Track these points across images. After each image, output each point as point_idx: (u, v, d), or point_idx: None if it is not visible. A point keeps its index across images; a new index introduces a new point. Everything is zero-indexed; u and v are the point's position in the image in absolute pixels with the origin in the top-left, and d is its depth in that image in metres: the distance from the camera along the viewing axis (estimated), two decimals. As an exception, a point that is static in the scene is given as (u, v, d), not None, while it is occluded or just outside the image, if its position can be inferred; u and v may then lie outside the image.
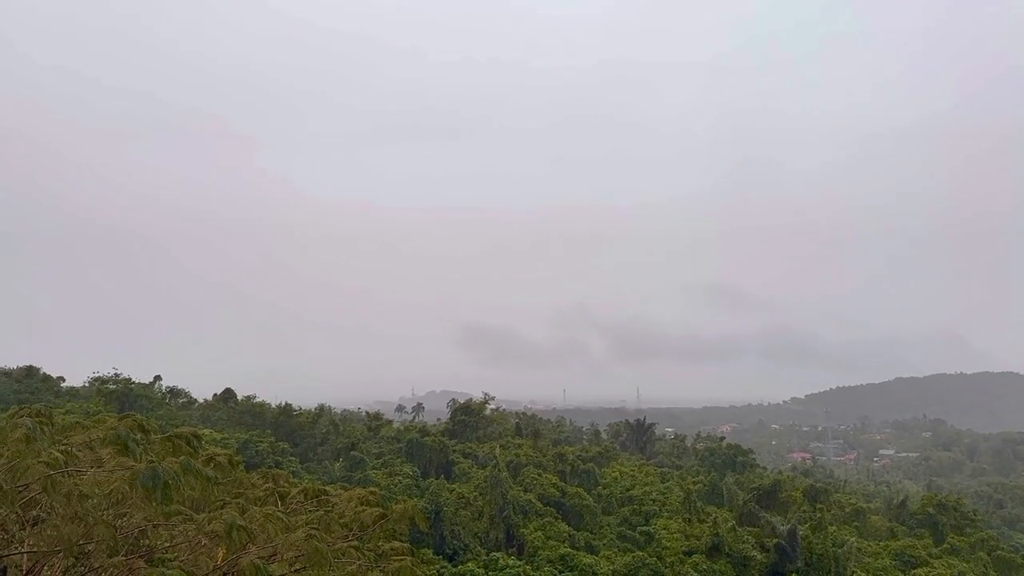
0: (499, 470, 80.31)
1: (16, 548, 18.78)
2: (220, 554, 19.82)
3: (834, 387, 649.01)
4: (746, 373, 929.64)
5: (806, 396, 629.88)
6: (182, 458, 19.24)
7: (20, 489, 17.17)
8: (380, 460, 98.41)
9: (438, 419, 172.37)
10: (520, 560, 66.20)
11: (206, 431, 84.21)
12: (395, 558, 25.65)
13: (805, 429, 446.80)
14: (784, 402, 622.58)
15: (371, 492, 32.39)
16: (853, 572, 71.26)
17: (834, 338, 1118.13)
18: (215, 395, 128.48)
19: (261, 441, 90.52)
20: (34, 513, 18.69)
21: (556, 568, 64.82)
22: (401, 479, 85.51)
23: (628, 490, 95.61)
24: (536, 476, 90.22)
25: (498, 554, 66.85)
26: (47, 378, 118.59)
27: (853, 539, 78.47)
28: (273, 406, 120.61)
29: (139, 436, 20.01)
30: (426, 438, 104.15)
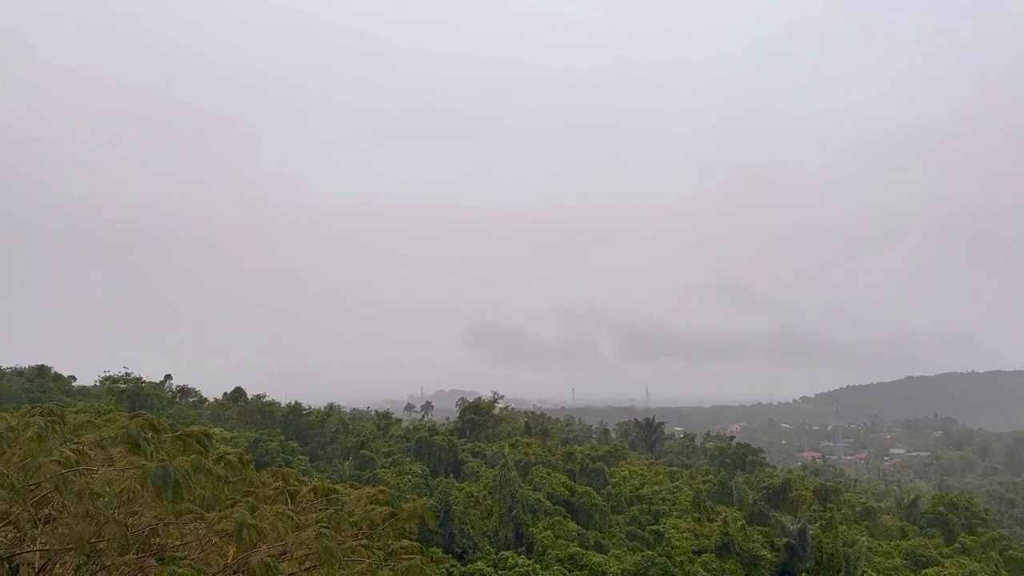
0: (508, 469, 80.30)
1: (29, 546, 18.89)
2: (231, 552, 19.90)
3: (844, 386, 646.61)
4: (756, 372, 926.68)
5: (816, 395, 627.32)
6: (193, 457, 19.33)
7: (32, 487, 17.27)
8: (389, 459, 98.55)
9: (447, 418, 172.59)
10: (529, 559, 66.19)
11: (216, 430, 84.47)
12: (405, 556, 25.70)
13: (815, 428, 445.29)
14: (794, 401, 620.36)
15: (380, 491, 32.49)
16: (864, 572, 70.97)
17: (844, 337, 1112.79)
18: (225, 394, 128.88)
19: (271, 440, 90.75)
20: (46, 511, 18.80)
21: (565, 567, 64.80)
22: (410, 478, 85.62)
23: (637, 489, 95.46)
24: (545, 475, 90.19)
25: (507, 553, 66.87)
26: (58, 377, 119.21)
27: (864, 538, 78.21)
28: (283, 405, 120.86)
29: (150, 435, 20.10)
30: (435, 437, 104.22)
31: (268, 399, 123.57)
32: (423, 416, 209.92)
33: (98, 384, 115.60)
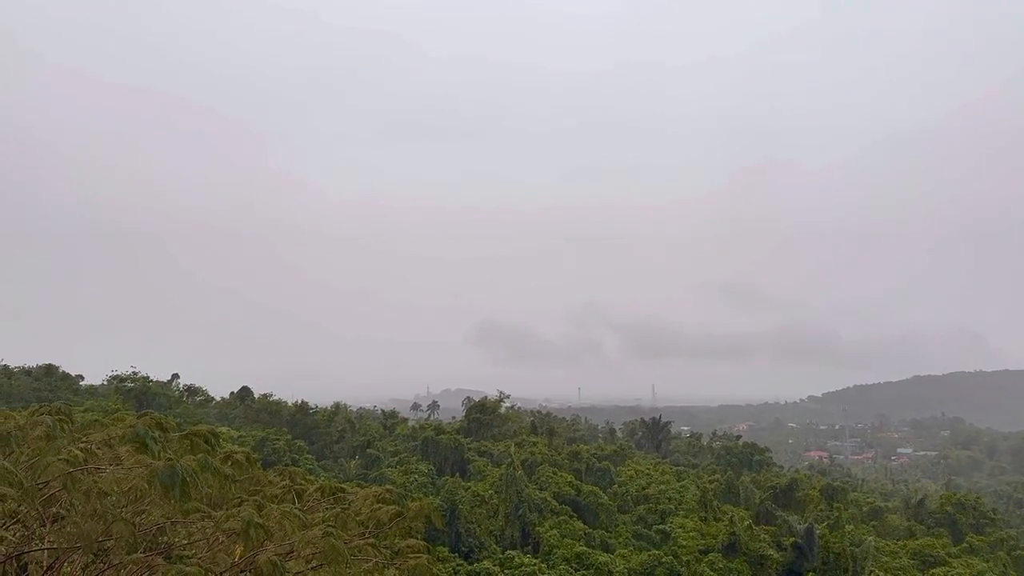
0: (514, 468, 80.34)
1: (37, 544, 18.96)
2: (238, 551, 19.95)
3: (851, 385, 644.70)
4: (762, 371, 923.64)
5: (823, 394, 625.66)
6: (200, 456, 19.39)
7: (41, 486, 17.34)
8: (396, 458, 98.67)
9: (453, 417, 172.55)
10: (535, 558, 66.24)
11: (223, 429, 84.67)
12: (411, 556, 25.75)
13: (822, 428, 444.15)
14: (801, 400, 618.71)
15: (387, 490, 32.55)
16: (871, 571, 70.81)
17: (851, 336, 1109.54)
18: (232, 393, 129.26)
19: (278, 439, 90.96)
20: (54, 510, 18.88)
21: (572, 566, 64.81)
22: (416, 477, 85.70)
23: (644, 489, 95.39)
24: (551, 474, 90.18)
25: (514, 552, 66.93)
26: (66, 376, 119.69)
27: (871, 538, 78.01)
28: (289, 404, 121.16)
29: (157, 434, 20.16)
30: (441, 436, 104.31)
31: (275, 398, 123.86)
32: (429, 415, 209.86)
33: (105, 383, 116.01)
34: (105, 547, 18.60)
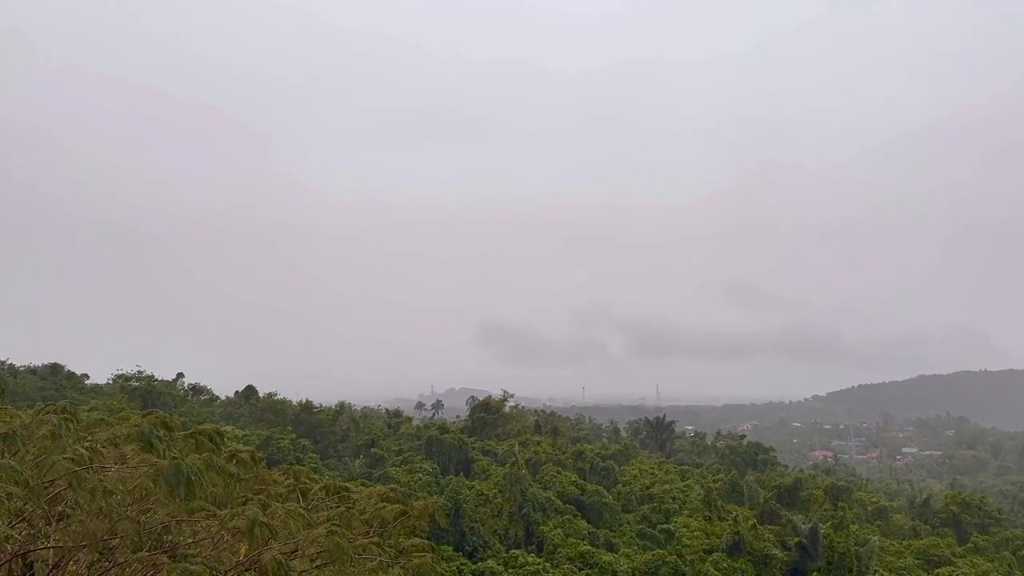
0: (518, 467, 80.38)
1: (43, 543, 19.01)
2: (243, 550, 19.98)
3: (856, 385, 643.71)
4: (767, 371, 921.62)
5: (827, 394, 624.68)
6: (205, 455, 19.43)
7: (46, 485, 17.38)
8: (400, 457, 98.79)
9: (457, 416, 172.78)
10: (540, 557, 66.30)
11: (228, 428, 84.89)
12: (415, 554, 25.78)
13: (827, 427, 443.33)
14: (805, 400, 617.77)
15: (391, 489, 32.60)
16: (876, 571, 70.72)
17: (856, 336, 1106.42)
18: (237, 392, 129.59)
19: (282, 438, 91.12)
20: (60, 509, 18.92)
21: (576, 566, 64.82)
22: (421, 476, 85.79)
23: (648, 488, 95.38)
24: (555, 474, 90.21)
25: (518, 551, 66.98)
26: (71, 375, 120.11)
27: (876, 538, 77.94)
28: (294, 403, 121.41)
29: (162, 433, 20.20)
30: (445, 435, 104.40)
31: (279, 398, 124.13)
32: (433, 414, 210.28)
33: (111, 382, 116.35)
34: (110, 546, 18.64)
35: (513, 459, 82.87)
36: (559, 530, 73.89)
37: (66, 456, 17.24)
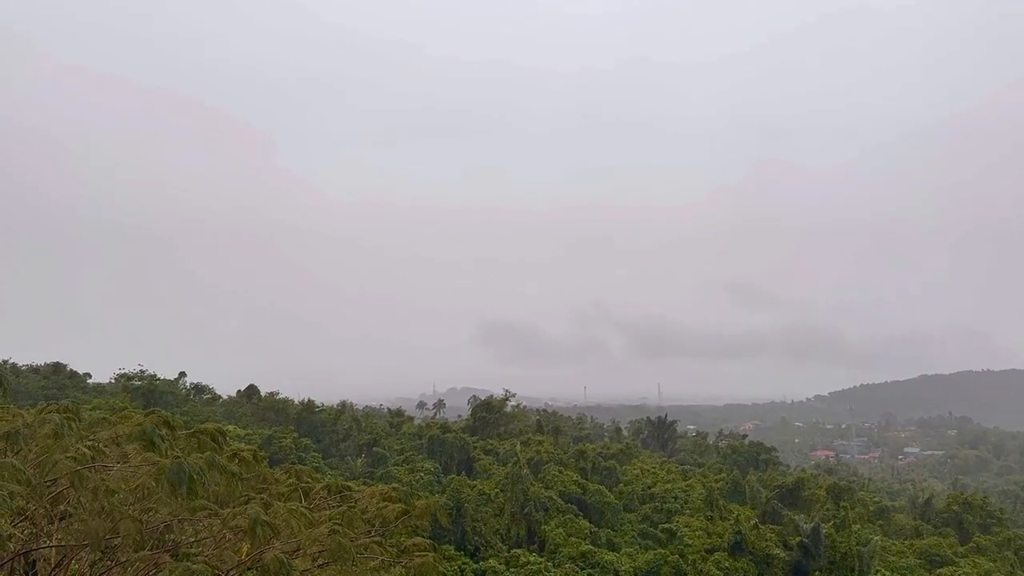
0: (520, 467, 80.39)
1: (45, 542, 19.06)
2: (244, 549, 20.01)
3: (858, 384, 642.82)
4: (769, 370, 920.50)
5: (829, 393, 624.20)
6: (207, 454, 19.46)
7: (49, 484, 17.41)
8: (402, 456, 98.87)
9: (459, 416, 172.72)
10: (541, 557, 66.30)
11: (230, 427, 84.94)
12: (417, 554, 25.77)
13: (828, 427, 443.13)
14: (807, 399, 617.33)
15: (393, 488, 32.62)
16: (878, 571, 70.71)
17: (858, 335, 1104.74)
18: (239, 391, 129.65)
19: (284, 437, 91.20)
20: (62, 508, 18.96)
21: (577, 565, 64.83)
22: (422, 475, 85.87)
23: (649, 487, 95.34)
24: (557, 473, 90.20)
25: (519, 550, 66.99)
26: (73, 374, 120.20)
27: (877, 537, 77.88)
28: (296, 403, 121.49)
29: (164, 432, 20.24)
30: (447, 435, 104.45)
31: (281, 397, 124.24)
32: (435, 414, 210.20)
33: (113, 381, 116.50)
34: (112, 544, 18.67)
35: (515, 458, 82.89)
36: (561, 529, 73.89)
37: (68, 455, 17.27)
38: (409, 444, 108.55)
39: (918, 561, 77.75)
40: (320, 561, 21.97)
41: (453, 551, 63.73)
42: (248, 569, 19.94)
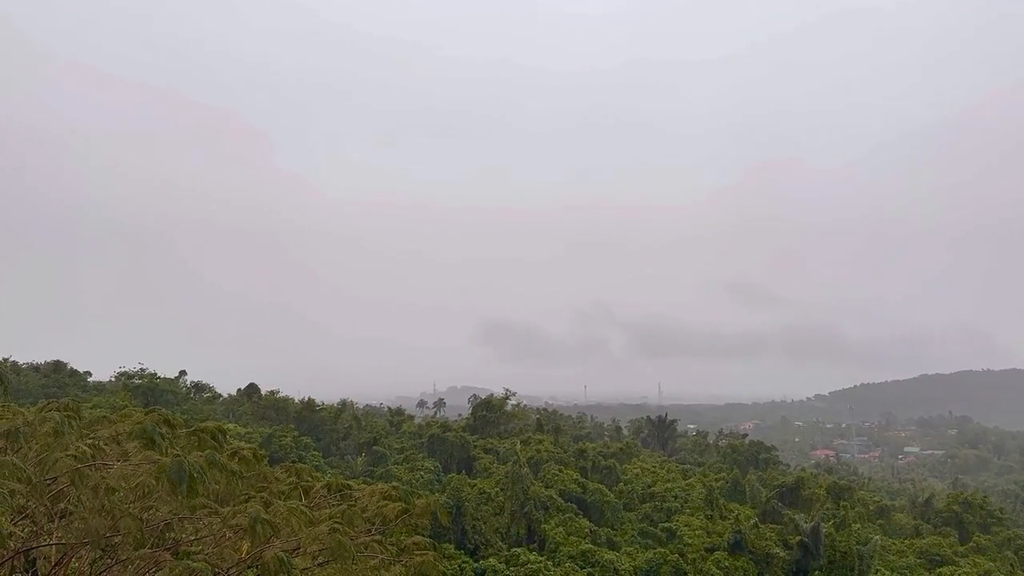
0: (520, 466, 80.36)
1: (45, 540, 19.06)
2: (244, 547, 20.01)
3: (858, 384, 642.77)
4: (769, 370, 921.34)
5: (830, 393, 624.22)
6: (207, 452, 19.46)
7: (49, 482, 17.42)
8: (402, 455, 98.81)
9: (459, 415, 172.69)
10: (541, 556, 66.27)
11: (230, 425, 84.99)
12: (417, 552, 25.79)
13: (828, 426, 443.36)
14: (807, 399, 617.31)
15: (393, 487, 32.60)
16: (877, 570, 70.69)
17: (858, 335, 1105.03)
18: (239, 390, 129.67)
19: (284, 436, 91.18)
20: (62, 506, 18.96)
21: (577, 564, 64.80)
22: (423, 474, 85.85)
23: (649, 487, 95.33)
24: (557, 472, 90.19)
25: (519, 549, 66.97)
26: (74, 373, 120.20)
27: (877, 537, 77.84)
28: (296, 401, 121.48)
29: (165, 430, 20.25)
30: (447, 433, 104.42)
31: (281, 395, 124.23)
32: (435, 413, 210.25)
33: (113, 380, 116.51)
34: (113, 543, 18.68)
35: (515, 457, 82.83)
36: (561, 528, 73.88)
37: (69, 453, 17.28)
38: (409, 443, 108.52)
39: (918, 560, 77.73)
40: (320, 560, 21.99)
41: (453, 550, 63.74)
42: (248, 567, 19.95)
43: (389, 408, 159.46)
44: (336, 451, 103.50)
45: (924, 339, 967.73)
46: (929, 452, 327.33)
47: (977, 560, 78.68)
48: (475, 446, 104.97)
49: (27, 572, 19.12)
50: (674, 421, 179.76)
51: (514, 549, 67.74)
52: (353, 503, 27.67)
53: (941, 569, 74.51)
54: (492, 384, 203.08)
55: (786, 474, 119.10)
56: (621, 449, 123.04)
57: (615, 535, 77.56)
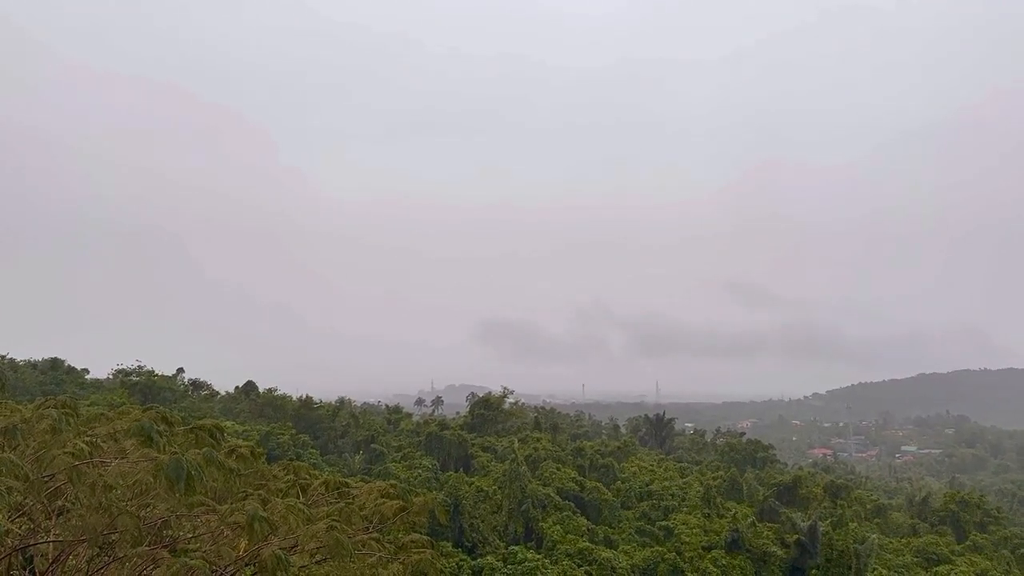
0: (518, 464, 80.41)
1: (43, 537, 19.04)
2: (242, 545, 19.98)
3: (856, 383, 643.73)
4: (767, 369, 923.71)
5: (827, 392, 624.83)
6: (205, 450, 19.42)
7: (46, 479, 17.40)
8: (400, 453, 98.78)
9: (457, 413, 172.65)
10: (539, 554, 66.33)
11: (228, 423, 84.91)
12: (415, 550, 25.76)
13: (826, 425, 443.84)
14: (805, 398, 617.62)
15: (391, 485, 32.53)
16: (874, 569, 70.78)
17: (856, 334, 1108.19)
18: (237, 388, 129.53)
19: (282, 433, 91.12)
20: (60, 503, 18.94)
21: (575, 562, 64.87)
22: (420, 472, 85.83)
23: (647, 485, 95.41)
24: (555, 470, 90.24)
25: (517, 547, 67.01)
26: (71, 370, 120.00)
27: (874, 536, 77.96)
28: (294, 399, 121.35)
29: (162, 428, 20.20)
30: (445, 432, 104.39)
31: (279, 393, 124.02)
32: (433, 411, 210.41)
33: (111, 377, 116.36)
34: (110, 540, 18.64)
35: (512, 456, 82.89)
36: (558, 526, 73.94)
37: (66, 450, 17.26)
38: (407, 441, 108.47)
39: (915, 559, 77.87)
40: (318, 557, 21.95)
41: (451, 548, 63.80)
42: (246, 565, 19.94)
43: (387, 406, 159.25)
44: (334, 449, 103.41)
45: (922, 338, 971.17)
46: (926, 451, 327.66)
47: (974, 559, 78.83)
48: (473, 444, 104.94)
49: (24, 569, 19.09)
50: (672, 420, 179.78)
51: (512, 547, 67.79)
52: (351, 501, 27.64)
53: (938, 568, 74.65)
54: (490, 382, 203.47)
55: (783, 473, 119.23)
56: (619, 447, 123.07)
57: (612, 533, 77.64)
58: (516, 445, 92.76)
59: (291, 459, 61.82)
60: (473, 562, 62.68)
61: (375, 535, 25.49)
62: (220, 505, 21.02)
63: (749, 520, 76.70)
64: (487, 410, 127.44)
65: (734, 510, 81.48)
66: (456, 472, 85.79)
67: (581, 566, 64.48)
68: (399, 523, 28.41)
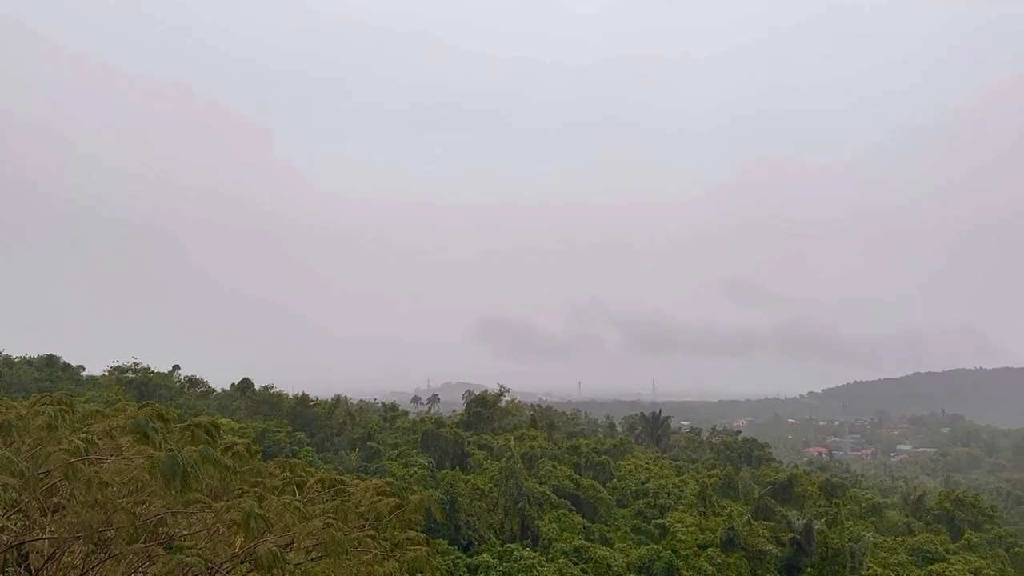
0: (514, 461, 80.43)
1: (38, 534, 19.02)
2: (238, 542, 19.98)
3: (851, 381, 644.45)
4: (762, 367, 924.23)
5: (823, 390, 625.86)
6: (201, 447, 19.43)
7: (42, 476, 17.40)
8: (396, 451, 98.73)
9: (453, 410, 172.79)
10: (535, 552, 66.37)
11: (224, 420, 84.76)
12: (411, 548, 25.77)
13: (821, 423, 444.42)
14: (800, 396, 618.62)
15: (387, 482, 32.56)
16: (869, 567, 70.93)
17: (852, 332, 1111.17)
18: (233, 385, 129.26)
19: (278, 431, 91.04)
20: (55, 500, 18.93)
21: (571, 560, 64.95)
22: (416, 470, 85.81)
23: (643, 483, 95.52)
24: (551, 468, 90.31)
25: (513, 545, 67.05)
26: (67, 367, 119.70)
27: (869, 534, 78.11)
28: (290, 396, 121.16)
29: (158, 425, 20.21)
30: (441, 429, 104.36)
31: (275, 390, 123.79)
32: (429, 408, 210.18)
33: (107, 374, 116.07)
34: (106, 537, 18.64)
35: (509, 453, 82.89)
36: (554, 524, 74.01)
37: (62, 447, 17.26)
38: (403, 439, 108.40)
39: (910, 558, 78.05)
40: (314, 555, 21.97)
41: (447, 545, 63.83)
42: (241, 562, 19.94)
43: (383, 404, 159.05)
44: (330, 446, 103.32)
45: (918, 337, 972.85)
46: (921, 450, 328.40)
47: (968, 557, 79.00)
48: (469, 442, 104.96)
49: (19, 566, 19.07)
50: (668, 418, 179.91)
51: (508, 545, 67.82)
52: (347, 498, 27.65)
53: (932, 566, 74.81)
54: (487, 380, 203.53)
55: (779, 471, 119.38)
56: (615, 445, 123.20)
57: (608, 531, 77.75)
58: (512, 443, 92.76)
59: (287, 456, 61.83)
60: (469, 560, 62.72)
61: (371, 532, 25.50)
62: (216, 502, 21.02)
63: (745, 518, 76.82)
64: (483, 408, 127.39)
65: (730, 508, 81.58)
66: (452, 470, 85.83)
67: (577, 564, 64.57)
68: (395, 520, 28.42)
